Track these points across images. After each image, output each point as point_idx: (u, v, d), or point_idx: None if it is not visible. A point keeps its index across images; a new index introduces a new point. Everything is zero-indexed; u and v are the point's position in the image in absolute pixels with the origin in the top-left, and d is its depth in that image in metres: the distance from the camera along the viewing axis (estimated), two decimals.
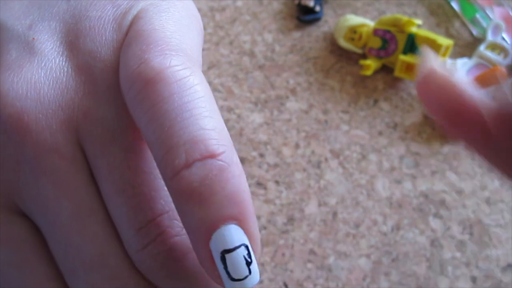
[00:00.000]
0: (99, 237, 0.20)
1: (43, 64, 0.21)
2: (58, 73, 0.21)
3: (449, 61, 0.47)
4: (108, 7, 0.22)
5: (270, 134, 0.45)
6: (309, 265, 0.38)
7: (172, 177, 0.18)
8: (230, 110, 0.46)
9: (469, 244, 0.39)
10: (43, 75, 0.21)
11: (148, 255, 0.20)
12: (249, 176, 0.42)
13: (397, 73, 0.46)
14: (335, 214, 0.41)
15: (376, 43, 0.46)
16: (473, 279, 0.38)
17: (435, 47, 0.44)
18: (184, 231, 0.20)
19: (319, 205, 0.41)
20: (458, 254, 0.39)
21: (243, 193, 0.18)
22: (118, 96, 0.21)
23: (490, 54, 0.47)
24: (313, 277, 0.38)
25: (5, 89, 0.20)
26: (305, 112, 0.46)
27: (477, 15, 0.50)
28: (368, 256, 0.39)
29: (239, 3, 0.54)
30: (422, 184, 0.42)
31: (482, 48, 0.47)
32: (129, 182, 0.20)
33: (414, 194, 0.41)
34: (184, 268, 0.20)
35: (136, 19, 0.21)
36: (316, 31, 0.51)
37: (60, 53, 0.21)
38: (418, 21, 0.46)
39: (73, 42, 0.21)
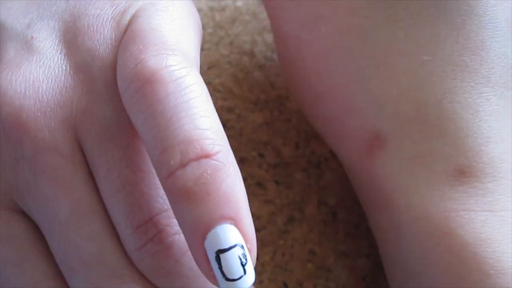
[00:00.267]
0: (97, 235, 0.20)
1: (41, 62, 0.21)
2: (57, 72, 0.21)
3: None
4: (107, 6, 0.22)
5: (270, 134, 0.45)
6: (309, 265, 0.38)
7: (167, 177, 0.18)
8: (230, 110, 0.46)
9: None
10: (42, 73, 0.21)
11: (146, 254, 0.20)
12: (249, 176, 0.42)
13: None
14: (335, 214, 0.41)
15: None
16: None
17: None
18: None
19: (319, 205, 0.41)
20: None
21: (238, 193, 0.19)
22: (116, 95, 0.21)
23: None
24: (313, 277, 0.38)
25: (4, 87, 0.20)
26: None
27: None
28: (368, 256, 0.38)
29: (239, 3, 0.54)
30: None
31: None
32: (127, 181, 0.20)
33: None
34: (182, 267, 0.20)
35: (134, 18, 0.22)
36: None
37: (59, 51, 0.22)
38: None
39: (72, 41, 0.22)
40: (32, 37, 0.21)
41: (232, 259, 0.18)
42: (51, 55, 0.21)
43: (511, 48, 0.21)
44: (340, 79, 0.22)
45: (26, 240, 0.20)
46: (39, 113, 0.20)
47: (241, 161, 0.43)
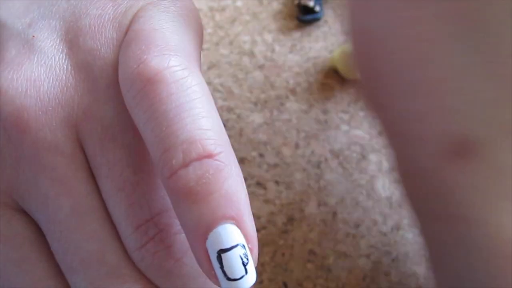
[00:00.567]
0: (98, 234, 0.20)
1: (42, 61, 0.21)
2: (58, 71, 0.21)
3: None
4: (108, 6, 0.22)
5: (270, 134, 0.45)
6: (309, 265, 0.38)
7: (169, 177, 0.18)
8: (230, 110, 0.46)
9: None
10: (43, 73, 0.21)
11: (147, 253, 0.20)
12: (249, 176, 0.42)
13: None
14: (335, 214, 0.41)
15: None
16: None
17: None
18: None
19: (319, 205, 0.41)
20: None
21: (240, 193, 0.18)
22: (117, 95, 0.21)
23: None
24: (313, 277, 0.38)
25: (5, 86, 0.20)
26: (305, 112, 0.46)
27: None
28: (368, 256, 0.38)
29: (239, 3, 0.54)
30: None
31: None
32: (128, 180, 0.20)
33: None
34: (183, 266, 0.20)
35: (136, 18, 0.22)
36: (316, 31, 0.51)
37: (60, 50, 0.21)
38: None
39: (73, 40, 0.22)
40: (33, 36, 0.21)
41: (233, 259, 0.18)
42: (52, 54, 0.21)
43: None
44: (437, 72, 0.20)
45: (26, 239, 0.20)
46: (40, 113, 0.20)
47: (241, 161, 0.43)
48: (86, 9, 0.22)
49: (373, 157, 0.43)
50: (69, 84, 0.21)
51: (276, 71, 0.49)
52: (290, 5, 0.53)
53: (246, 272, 0.18)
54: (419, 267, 0.38)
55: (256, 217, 0.40)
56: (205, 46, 0.50)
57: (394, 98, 0.22)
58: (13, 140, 0.20)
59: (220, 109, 0.45)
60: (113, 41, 0.21)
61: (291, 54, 0.50)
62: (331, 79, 0.48)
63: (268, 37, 0.52)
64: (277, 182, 0.42)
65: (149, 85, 0.19)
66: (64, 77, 0.21)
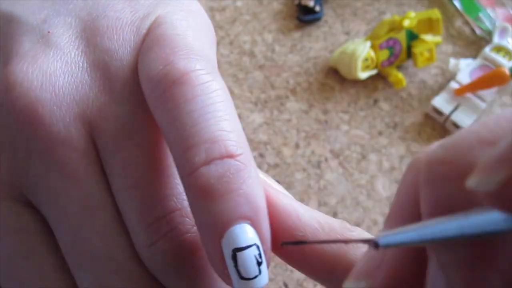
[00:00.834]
0: (107, 230, 0.20)
1: (58, 57, 0.21)
2: (74, 67, 0.21)
3: (452, 61, 0.47)
4: (126, 10, 0.22)
5: (270, 134, 0.45)
6: None
7: (191, 173, 0.18)
8: None
9: None
10: (59, 68, 0.21)
11: (157, 251, 0.20)
12: None
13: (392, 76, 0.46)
14: (335, 214, 0.41)
15: (384, 55, 0.46)
16: None
17: (433, 22, 0.46)
18: (194, 229, 0.20)
19: (319, 205, 0.41)
20: None
21: (258, 194, 0.19)
22: (133, 95, 0.21)
23: (495, 56, 0.47)
24: None
25: (20, 79, 0.20)
26: (305, 112, 0.46)
27: (480, 14, 0.50)
28: None
29: (239, 3, 0.54)
30: None
31: (487, 49, 0.47)
32: (142, 178, 0.20)
33: None
34: (192, 267, 0.20)
35: (155, 24, 0.22)
36: (316, 31, 0.51)
37: (76, 47, 0.22)
38: (411, 14, 0.46)
39: (90, 39, 0.22)
40: (49, 32, 0.21)
41: (248, 258, 0.18)
42: (68, 50, 0.21)
43: None
44: None
45: (34, 233, 0.20)
46: (54, 107, 0.20)
47: None
48: (104, 10, 0.22)
49: (373, 157, 0.43)
50: (85, 81, 0.21)
51: (276, 71, 0.49)
52: (290, 5, 0.53)
53: (260, 272, 0.19)
54: None
55: None
56: None
57: None
58: (25, 133, 0.20)
59: None
60: (130, 44, 0.21)
61: (291, 54, 0.50)
62: (331, 79, 0.48)
63: (268, 37, 0.52)
64: (277, 182, 0.42)
65: (175, 86, 0.19)
66: (79, 74, 0.21)
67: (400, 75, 0.46)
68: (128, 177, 0.20)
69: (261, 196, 0.19)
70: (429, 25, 0.46)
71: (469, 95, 0.45)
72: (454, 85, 0.45)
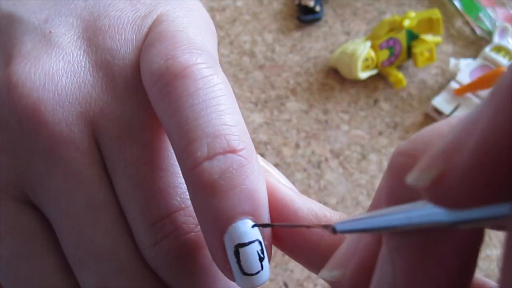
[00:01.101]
0: (110, 230, 0.20)
1: (61, 57, 0.21)
2: (76, 67, 0.21)
3: (452, 61, 0.47)
4: (128, 9, 0.23)
5: (270, 134, 0.45)
6: None
7: (193, 168, 0.18)
8: None
9: None
10: (61, 68, 0.21)
11: (161, 250, 0.20)
12: None
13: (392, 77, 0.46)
14: None
15: (385, 55, 0.46)
16: None
17: (433, 22, 0.46)
18: (198, 228, 0.20)
19: None
20: None
21: (260, 189, 0.19)
22: (136, 94, 0.21)
23: (495, 56, 0.47)
24: (313, 277, 0.38)
25: (22, 79, 0.20)
26: (305, 112, 0.46)
27: (480, 14, 0.50)
28: None
29: (239, 3, 0.54)
30: None
31: (487, 49, 0.47)
32: (145, 178, 0.20)
33: None
34: (195, 266, 0.20)
35: (157, 22, 0.22)
36: (316, 31, 0.51)
37: (78, 47, 0.22)
38: (412, 14, 0.46)
39: (92, 39, 0.22)
40: (50, 31, 0.21)
41: (251, 254, 0.18)
42: (70, 50, 0.21)
43: None
44: None
45: (35, 233, 0.20)
46: (57, 107, 0.20)
47: None
48: (105, 10, 0.22)
49: (373, 157, 0.43)
50: (87, 81, 0.21)
51: (276, 71, 0.49)
52: (290, 5, 0.53)
53: (262, 268, 0.19)
54: None
55: None
56: None
57: None
58: (28, 132, 0.20)
59: None
60: (132, 43, 0.22)
61: (291, 54, 0.50)
62: (331, 79, 0.48)
63: (268, 37, 0.52)
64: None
65: (176, 80, 0.19)
66: (82, 73, 0.21)
67: (400, 75, 0.46)
68: (131, 176, 0.20)
69: (263, 191, 0.19)
70: (429, 25, 0.46)
71: (469, 95, 0.45)
72: (454, 85, 0.45)
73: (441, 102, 0.45)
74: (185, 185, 0.20)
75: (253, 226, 0.18)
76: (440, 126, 0.15)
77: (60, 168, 0.20)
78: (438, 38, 0.48)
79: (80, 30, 0.22)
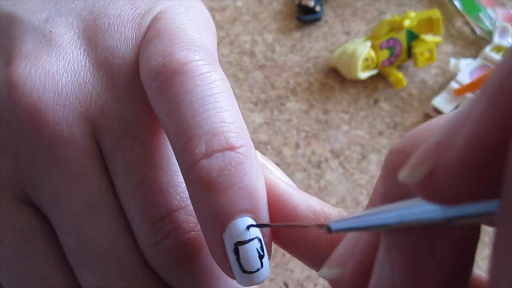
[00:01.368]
0: (111, 229, 0.20)
1: (61, 56, 0.21)
2: (76, 67, 0.21)
3: (452, 61, 0.47)
4: (127, 7, 0.22)
5: (270, 134, 0.45)
6: None
7: (191, 166, 0.18)
8: None
9: None
10: (61, 67, 0.21)
11: (161, 249, 0.20)
12: None
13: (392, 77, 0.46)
14: None
15: (385, 55, 0.46)
16: None
17: (433, 22, 0.46)
18: (198, 227, 0.20)
19: None
20: None
21: (259, 187, 0.19)
22: (136, 93, 0.21)
23: (495, 56, 0.47)
24: (313, 277, 0.38)
25: (22, 79, 0.20)
26: (305, 112, 0.46)
27: (480, 14, 0.50)
28: None
29: (239, 3, 0.54)
30: None
31: (487, 49, 0.47)
32: (145, 177, 0.20)
33: None
34: (196, 265, 0.20)
35: (156, 19, 0.22)
36: (316, 31, 0.51)
37: (78, 47, 0.22)
38: (412, 14, 0.46)
39: (92, 38, 0.22)
40: (50, 31, 0.21)
41: (251, 251, 0.18)
42: (70, 50, 0.21)
43: None
44: None
45: (36, 233, 0.20)
46: (58, 106, 0.20)
47: None
48: (105, 9, 0.22)
49: (373, 157, 0.43)
50: (87, 80, 0.21)
51: (276, 71, 0.49)
52: (290, 5, 0.53)
53: (262, 266, 0.19)
54: None
55: None
56: None
57: None
58: (28, 132, 0.20)
59: None
60: (132, 41, 0.22)
61: (291, 54, 0.50)
62: (331, 79, 0.48)
63: (268, 37, 0.52)
64: None
65: (174, 76, 0.19)
66: (82, 73, 0.21)
67: (400, 75, 0.46)
68: (131, 176, 0.20)
69: (262, 188, 0.19)
70: (429, 25, 0.46)
71: (469, 95, 0.45)
72: (454, 85, 0.45)
73: (441, 102, 0.45)
74: (185, 184, 0.20)
75: (248, 228, 0.18)
76: (434, 123, 0.15)
77: (61, 168, 0.20)
78: (438, 38, 0.48)
79: (80, 29, 0.22)
